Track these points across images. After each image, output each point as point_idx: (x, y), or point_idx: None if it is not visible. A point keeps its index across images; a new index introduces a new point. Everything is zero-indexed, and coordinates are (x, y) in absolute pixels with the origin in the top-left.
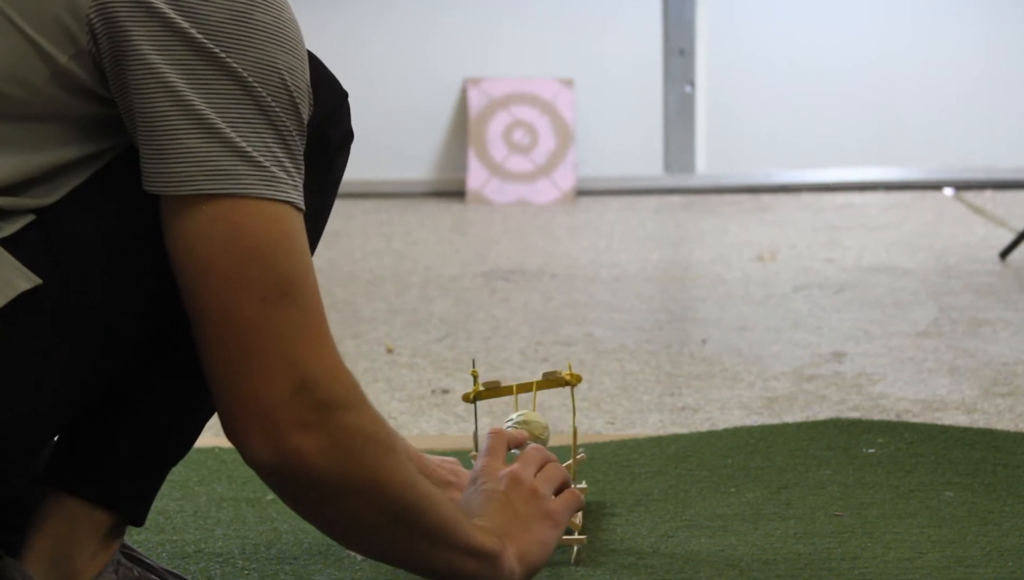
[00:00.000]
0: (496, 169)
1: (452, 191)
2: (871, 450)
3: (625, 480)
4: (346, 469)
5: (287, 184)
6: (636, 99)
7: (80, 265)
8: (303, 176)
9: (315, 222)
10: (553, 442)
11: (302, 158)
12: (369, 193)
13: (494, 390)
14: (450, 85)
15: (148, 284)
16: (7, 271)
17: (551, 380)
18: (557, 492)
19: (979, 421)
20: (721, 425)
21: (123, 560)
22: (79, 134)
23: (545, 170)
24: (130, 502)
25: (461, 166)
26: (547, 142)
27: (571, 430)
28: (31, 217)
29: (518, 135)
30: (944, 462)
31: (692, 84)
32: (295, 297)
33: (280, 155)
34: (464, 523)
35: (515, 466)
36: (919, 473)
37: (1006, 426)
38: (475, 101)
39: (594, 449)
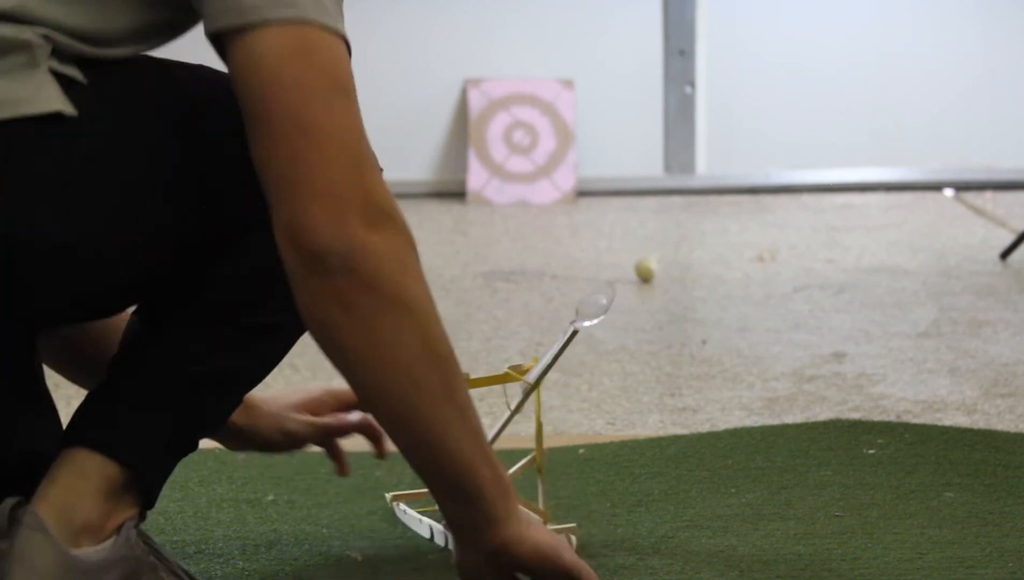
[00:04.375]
0: (496, 170)
1: (452, 192)
2: (871, 451)
3: (625, 480)
4: (402, 279)
5: (341, 22)
6: (636, 100)
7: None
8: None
9: None
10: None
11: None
12: None
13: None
14: (450, 85)
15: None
16: (49, 91)
17: (516, 372)
18: None
19: (979, 422)
20: (721, 426)
21: (135, 538)
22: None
23: (545, 171)
24: (142, 458)
25: (461, 167)
26: (547, 143)
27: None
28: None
29: (518, 136)
30: (944, 463)
31: (692, 85)
32: (355, 105)
33: (335, 2)
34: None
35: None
36: (919, 474)
37: (1006, 427)
38: (475, 102)
39: (594, 449)
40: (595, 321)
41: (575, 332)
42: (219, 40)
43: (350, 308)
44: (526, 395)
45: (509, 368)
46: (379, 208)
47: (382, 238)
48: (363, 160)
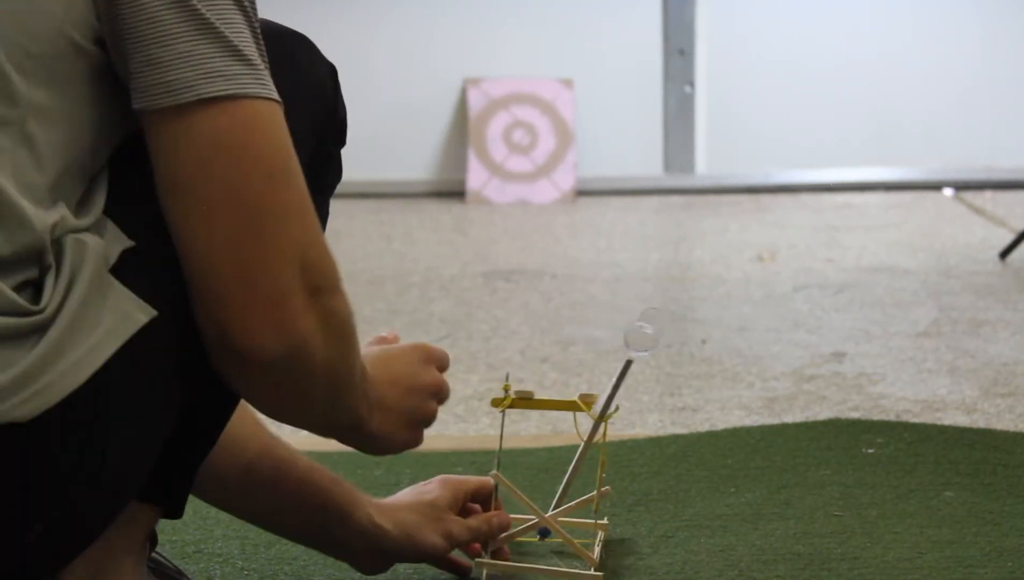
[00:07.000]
0: (496, 169)
1: (452, 191)
2: (871, 450)
3: (625, 480)
4: (330, 355)
5: (271, 83)
6: (636, 99)
7: (175, 288)
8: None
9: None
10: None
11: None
12: (369, 193)
13: (526, 401)
14: (450, 85)
15: None
16: (124, 303)
17: (585, 402)
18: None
19: (979, 421)
20: (721, 425)
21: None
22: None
23: (545, 170)
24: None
25: (461, 166)
26: (547, 142)
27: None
28: (130, 242)
29: (518, 135)
30: (944, 462)
31: (692, 84)
32: (294, 178)
33: (260, 52)
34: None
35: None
36: (919, 473)
37: (1006, 426)
38: (475, 101)
39: (594, 449)
40: (647, 352)
41: (629, 362)
42: (145, 114)
43: (285, 392)
44: (595, 427)
45: (579, 396)
46: (312, 286)
47: (315, 323)
48: (302, 239)
